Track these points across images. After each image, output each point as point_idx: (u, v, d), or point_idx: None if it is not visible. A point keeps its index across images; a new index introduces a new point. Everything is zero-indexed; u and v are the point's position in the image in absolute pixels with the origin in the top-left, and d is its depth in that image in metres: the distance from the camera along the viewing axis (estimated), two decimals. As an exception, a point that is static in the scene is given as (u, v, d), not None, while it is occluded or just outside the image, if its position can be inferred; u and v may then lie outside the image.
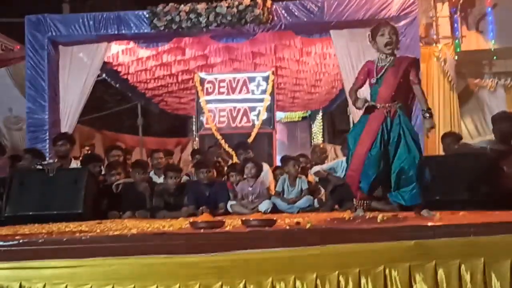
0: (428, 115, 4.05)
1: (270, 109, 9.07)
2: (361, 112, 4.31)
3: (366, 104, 4.05)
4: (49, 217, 5.07)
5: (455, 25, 8.26)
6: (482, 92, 8.72)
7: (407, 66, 4.04)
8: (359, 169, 3.98)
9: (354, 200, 4.23)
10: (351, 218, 3.81)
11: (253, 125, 9.06)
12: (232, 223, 3.46)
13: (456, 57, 7.81)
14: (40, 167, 5.83)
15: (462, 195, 5.34)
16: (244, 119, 9.19)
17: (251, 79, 9.19)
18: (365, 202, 4.15)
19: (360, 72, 4.21)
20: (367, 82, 4.15)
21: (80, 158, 6.91)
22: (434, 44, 7.90)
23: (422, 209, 3.92)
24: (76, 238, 2.86)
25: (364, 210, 4.15)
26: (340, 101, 11.21)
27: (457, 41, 8.20)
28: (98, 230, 3.40)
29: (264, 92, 9.09)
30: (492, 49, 8.49)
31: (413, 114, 4.37)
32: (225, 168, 6.87)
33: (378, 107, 4.01)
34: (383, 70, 4.03)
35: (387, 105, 3.99)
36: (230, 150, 8.47)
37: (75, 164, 6.47)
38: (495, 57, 8.61)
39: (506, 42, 8.50)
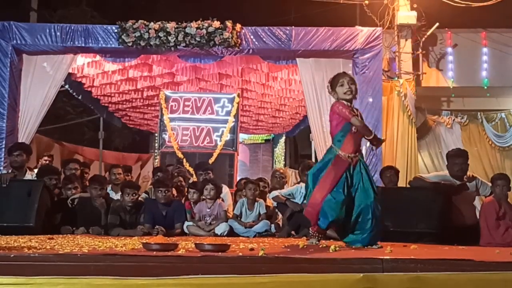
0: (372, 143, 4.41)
1: (233, 131, 9.10)
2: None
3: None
4: (-1, 229, 4.94)
5: (417, 61, 8.54)
6: (439, 128, 9.04)
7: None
8: (318, 208, 4.15)
9: (310, 229, 4.38)
10: (305, 246, 3.85)
11: (216, 146, 9.05)
12: (185, 246, 3.44)
13: (416, 92, 8.05)
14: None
15: (415, 228, 5.48)
16: (207, 139, 9.16)
17: (216, 100, 9.21)
18: (320, 235, 4.32)
19: (345, 110, 4.30)
20: (335, 125, 4.34)
21: (36, 170, 6.75)
22: (395, 79, 8.14)
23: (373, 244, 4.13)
24: (24, 255, 2.80)
25: (319, 240, 4.28)
26: (303, 127, 11.36)
27: (417, 77, 8.47)
28: (48, 247, 3.33)
29: (228, 113, 9.11)
30: (451, 87, 8.83)
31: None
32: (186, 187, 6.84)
33: (342, 156, 4.22)
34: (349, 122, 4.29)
35: (352, 155, 4.23)
36: (190, 169, 8.44)
37: (30, 175, 6.31)
38: (452, 95, 8.95)
39: (464, 81, 8.87)
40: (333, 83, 4.41)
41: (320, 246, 3.98)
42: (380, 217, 4.23)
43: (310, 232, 4.39)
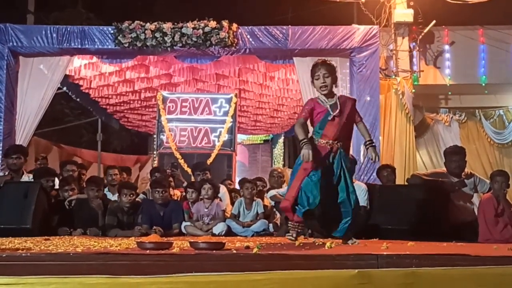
0: (370, 144, 4.26)
1: (231, 131, 9.09)
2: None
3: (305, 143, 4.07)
4: (-5, 231, 4.91)
5: (414, 59, 8.53)
6: (437, 126, 9.03)
7: (351, 108, 4.23)
8: (294, 197, 4.05)
9: (289, 223, 4.27)
10: (301, 244, 3.84)
11: (214, 146, 9.05)
12: (180, 245, 3.43)
13: (413, 91, 8.04)
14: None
15: (412, 225, 5.46)
16: (205, 139, 9.17)
17: (214, 100, 9.22)
18: (299, 225, 4.19)
19: (304, 109, 4.29)
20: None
21: (33, 172, 6.73)
22: (393, 77, 8.13)
23: (348, 239, 4.08)
24: (16, 255, 2.78)
25: (297, 233, 4.18)
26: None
27: (415, 75, 8.46)
28: (42, 247, 3.31)
29: (226, 114, 9.11)
30: (448, 85, 8.81)
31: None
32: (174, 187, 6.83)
33: (322, 143, 4.13)
34: (327, 112, 4.17)
35: (330, 141, 4.13)
36: (188, 170, 8.43)
37: (26, 177, 6.30)
38: (449, 93, 8.94)
39: (462, 79, 8.85)
40: (311, 74, 4.29)
41: (316, 243, 3.93)
42: (357, 211, 4.19)
43: (289, 225, 4.26)
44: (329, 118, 4.13)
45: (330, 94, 4.22)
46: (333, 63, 4.35)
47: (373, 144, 4.30)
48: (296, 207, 4.06)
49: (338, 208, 4.09)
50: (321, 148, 4.13)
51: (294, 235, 4.13)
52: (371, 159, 4.29)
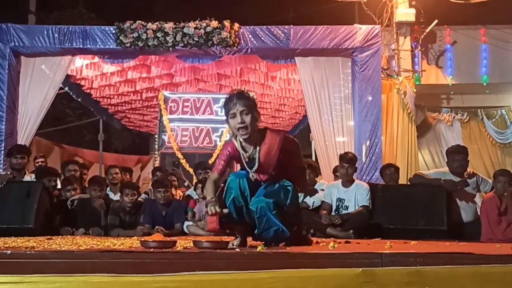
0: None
1: (233, 131, 9.08)
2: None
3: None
4: (-3, 231, 4.92)
5: (416, 59, 8.53)
6: (439, 126, 9.03)
7: (280, 150, 3.43)
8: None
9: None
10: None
11: (215, 146, 9.06)
12: (183, 244, 3.42)
13: (415, 90, 8.03)
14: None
15: (415, 225, 5.47)
16: (207, 139, 9.19)
17: (215, 100, 9.22)
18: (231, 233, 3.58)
19: (220, 157, 3.54)
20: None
21: (35, 171, 6.73)
22: (395, 76, 8.12)
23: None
24: (20, 253, 2.78)
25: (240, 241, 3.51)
26: (303, 127, 11.34)
27: (417, 74, 8.46)
28: (46, 246, 3.31)
29: (227, 113, 9.11)
30: (450, 84, 8.82)
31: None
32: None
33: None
34: (254, 163, 3.42)
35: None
36: (190, 170, 8.44)
37: (29, 177, 6.30)
38: (451, 92, 8.93)
39: (464, 78, 8.86)
40: (225, 112, 3.42)
41: (320, 244, 3.92)
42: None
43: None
44: (252, 178, 3.44)
45: (251, 138, 3.38)
46: (252, 95, 3.50)
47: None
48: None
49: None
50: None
51: (236, 243, 3.48)
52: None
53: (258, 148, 3.39)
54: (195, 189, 6.52)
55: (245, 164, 3.44)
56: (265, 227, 3.33)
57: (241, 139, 3.40)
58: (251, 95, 3.45)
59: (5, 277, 2.55)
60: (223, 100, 3.51)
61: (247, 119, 3.30)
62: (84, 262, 2.71)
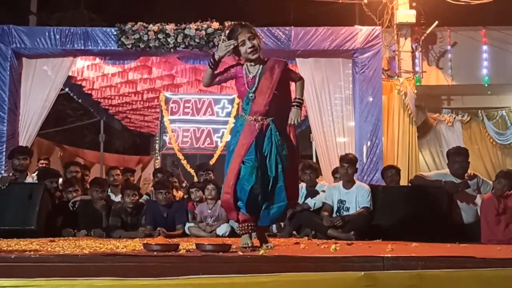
0: (296, 104, 3.79)
1: (234, 132, 9.10)
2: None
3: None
4: (-1, 232, 4.93)
5: (416, 60, 8.55)
6: (440, 126, 9.05)
7: (281, 72, 3.76)
8: (233, 189, 3.59)
9: (237, 226, 3.81)
10: (306, 247, 3.83)
11: (216, 147, 9.08)
12: (186, 247, 3.44)
13: (416, 91, 8.05)
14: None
15: (416, 226, 5.47)
16: (208, 140, 9.21)
17: (217, 101, 9.24)
18: (249, 225, 3.67)
19: (225, 71, 3.81)
20: (236, 92, 3.99)
21: (36, 173, 6.75)
22: (395, 77, 8.13)
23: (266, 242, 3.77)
24: (25, 256, 2.79)
25: (251, 235, 3.69)
26: (303, 127, 11.33)
27: (417, 75, 8.48)
28: (49, 249, 3.33)
29: (228, 114, 9.14)
30: (451, 85, 8.84)
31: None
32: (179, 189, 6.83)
33: (250, 120, 3.70)
34: (255, 82, 3.71)
35: (259, 118, 3.69)
36: (191, 170, 8.46)
37: (30, 178, 6.32)
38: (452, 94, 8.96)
39: (464, 79, 8.88)
40: (230, 40, 3.69)
41: (322, 246, 3.93)
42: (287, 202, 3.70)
43: (237, 231, 3.75)
44: (250, 97, 3.68)
45: (257, 59, 3.71)
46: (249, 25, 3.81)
47: (299, 104, 3.80)
48: (238, 203, 3.60)
49: (268, 194, 3.62)
50: (251, 127, 3.67)
51: (249, 242, 3.60)
52: (290, 122, 3.74)
53: (262, 67, 3.74)
54: (188, 193, 6.52)
55: (246, 85, 3.71)
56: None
57: (247, 64, 3.74)
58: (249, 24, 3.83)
59: (10, 280, 2.56)
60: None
61: (255, 42, 3.69)
62: (88, 266, 2.73)
